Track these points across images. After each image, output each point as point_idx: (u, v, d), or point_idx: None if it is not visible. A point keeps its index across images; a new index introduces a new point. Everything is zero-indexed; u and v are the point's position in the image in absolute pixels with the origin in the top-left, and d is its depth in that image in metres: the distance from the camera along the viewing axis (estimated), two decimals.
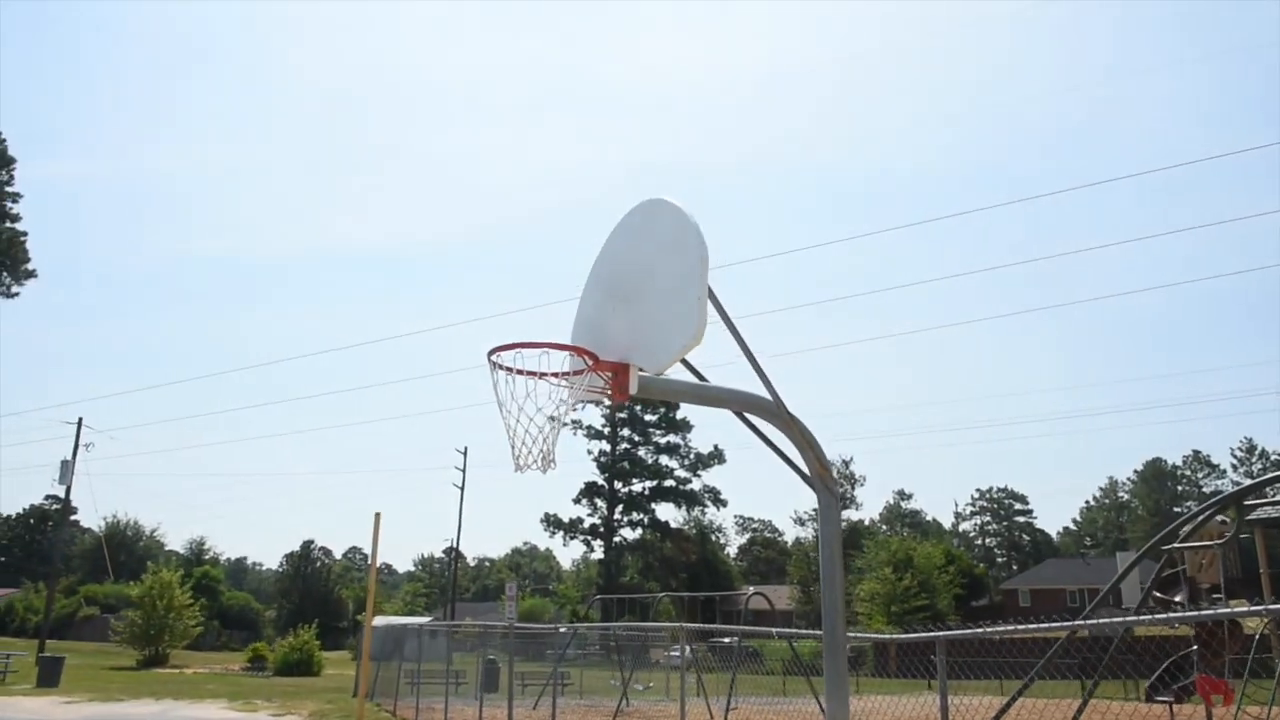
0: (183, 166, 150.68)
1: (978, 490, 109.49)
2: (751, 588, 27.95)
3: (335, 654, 48.64)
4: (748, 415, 5.19)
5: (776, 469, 5.02)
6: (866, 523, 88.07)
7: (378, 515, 19.21)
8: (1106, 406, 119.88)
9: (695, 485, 68.98)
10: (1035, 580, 73.04)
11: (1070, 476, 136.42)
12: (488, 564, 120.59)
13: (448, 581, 72.94)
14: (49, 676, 25.80)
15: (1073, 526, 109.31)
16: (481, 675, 19.37)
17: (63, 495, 45.20)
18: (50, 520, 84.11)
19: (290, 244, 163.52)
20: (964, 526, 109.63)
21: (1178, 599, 13.12)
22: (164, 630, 39.56)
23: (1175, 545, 10.17)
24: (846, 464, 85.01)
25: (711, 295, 4.56)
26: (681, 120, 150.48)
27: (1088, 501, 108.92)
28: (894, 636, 8.00)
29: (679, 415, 68.22)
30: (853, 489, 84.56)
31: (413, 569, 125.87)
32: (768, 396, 4.82)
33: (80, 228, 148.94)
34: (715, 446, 68.55)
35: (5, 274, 40.38)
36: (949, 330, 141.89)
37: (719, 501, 69.98)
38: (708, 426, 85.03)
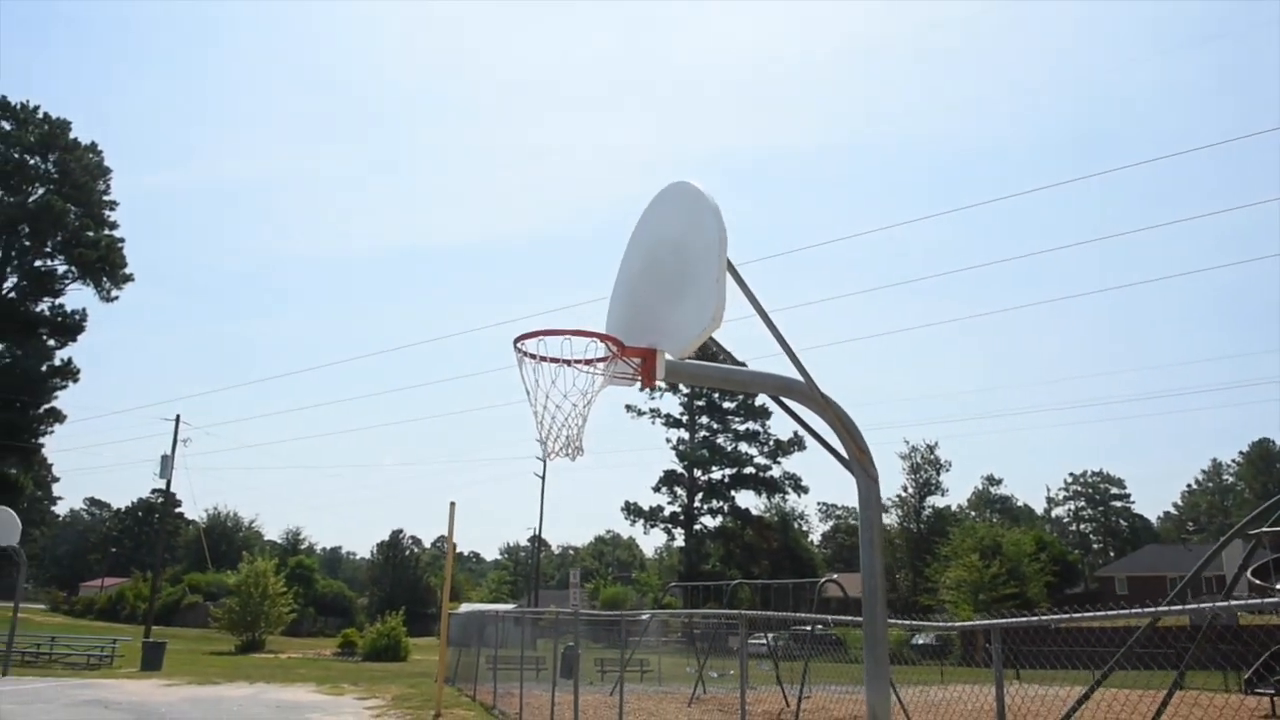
0: (269, 171, 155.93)
1: (1071, 474, 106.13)
2: (826, 575, 27.58)
3: (424, 640, 49.89)
4: (784, 400, 5.08)
5: None
6: (954, 509, 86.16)
7: (452, 505, 19.65)
8: (1209, 384, 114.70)
9: (775, 472, 68.51)
10: (1133, 567, 70.44)
11: (1171, 459, 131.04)
12: (572, 552, 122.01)
13: (532, 569, 74.06)
14: (152, 660, 27.14)
15: (1174, 511, 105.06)
16: (560, 661, 19.57)
17: (164, 488, 47.37)
18: (156, 513, 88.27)
19: (372, 243, 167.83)
20: (1057, 512, 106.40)
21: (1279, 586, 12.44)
22: (260, 617, 41.14)
23: (1263, 529, 9.64)
24: (932, 449, 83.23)
25: (737, 277, 4.47)
26: (757, 104, 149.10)
27: (1190, 485, 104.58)
28: (940, 625, 7.76)
29: (758, 402, 67.73)
30: (938, 475, 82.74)
31: (499, 557, 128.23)
32: (800, 379, 4.71)
33: (175, 233, 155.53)
34: (795, 433, 67.86)
35: (105, 279, 42.36)
36: (1041, 308, 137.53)
37: (800, 488, 69.36)
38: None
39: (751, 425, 68.27)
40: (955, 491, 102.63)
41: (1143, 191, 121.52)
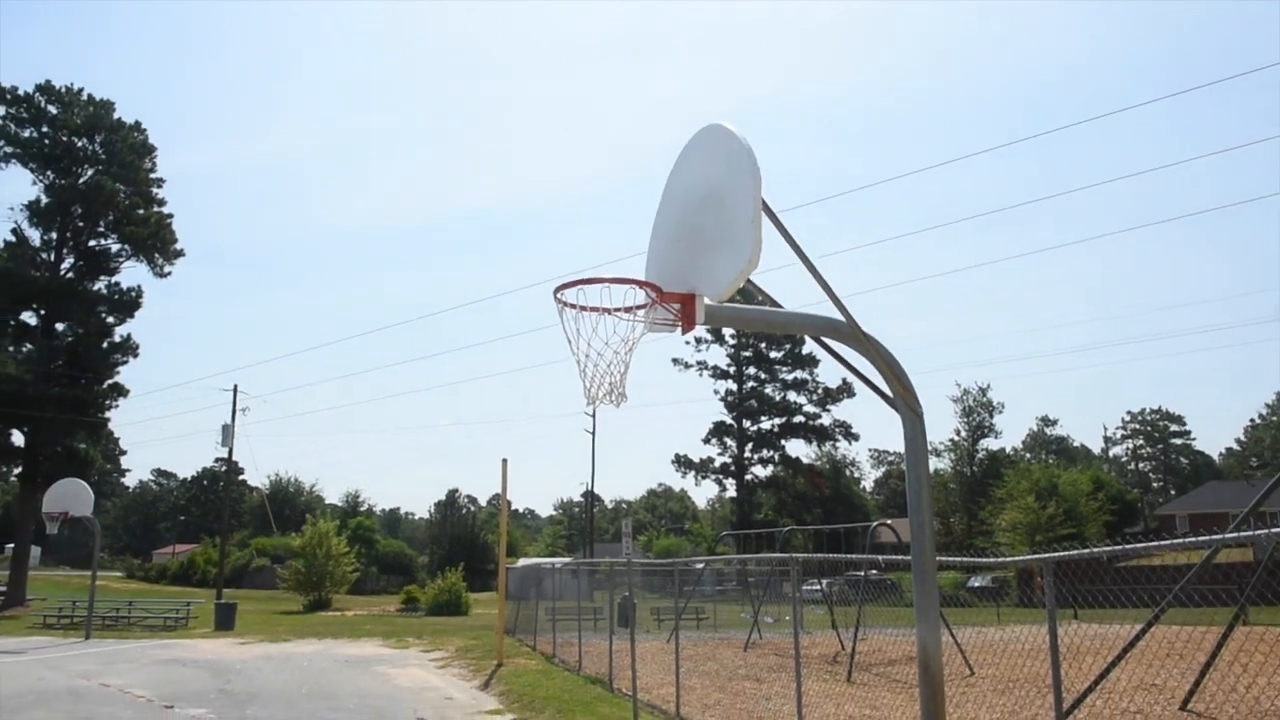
0: (310, 144, 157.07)
1: (1129, 413, 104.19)
2: (876, 521, 27.59)
3: (484, 595, 51.01)
4: (826, 340, 5.07)
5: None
6: (1008, 451, 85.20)
7: (504, 461, 20.00)
8: (1271, 315, 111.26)
9: (825, 420, 68.29)
10: (1195, 504, 69.12)
11: (1233, 394, 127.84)
12: (625, 505, 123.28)
13: (586, 523, 75.08)
14: (225, 621, 28.19)
15: (1236, 447, 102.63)
16: (616, 611, 19.90)
17: (226, 457, 48.71)
18: (220, 481, 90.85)
19: (417, 207, 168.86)
20: (1115, 451, 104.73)
21: None
22: (325, 577, 42.36)
23: None
24: (984, 391, 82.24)
25: (774, 218, 4.44)
26: (792, 47, 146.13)
27: (1253, 419, 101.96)
28: (991, 561, 7.74)
29: (805, 350, 67.39)
30: (991, 417, 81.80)
31: (554, 513, 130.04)
32: (841, 319, 4.69)
33: (221, 208, 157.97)
34: (844, 380, 67.43)
35: (157, 255, 43.17)
36: (1093, 244, 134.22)
37: (850, 435, 69.10)
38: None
39: (799, 374, 68.01)
40: (1009, 434, 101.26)
41: (1200, 117, 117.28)
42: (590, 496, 66.59)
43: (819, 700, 12.22)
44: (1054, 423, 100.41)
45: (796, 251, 4.45)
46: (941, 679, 4.74)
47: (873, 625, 20.77)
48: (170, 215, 44.25)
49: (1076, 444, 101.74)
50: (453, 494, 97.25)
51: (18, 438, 40.88)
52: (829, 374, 68.88)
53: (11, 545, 46.96)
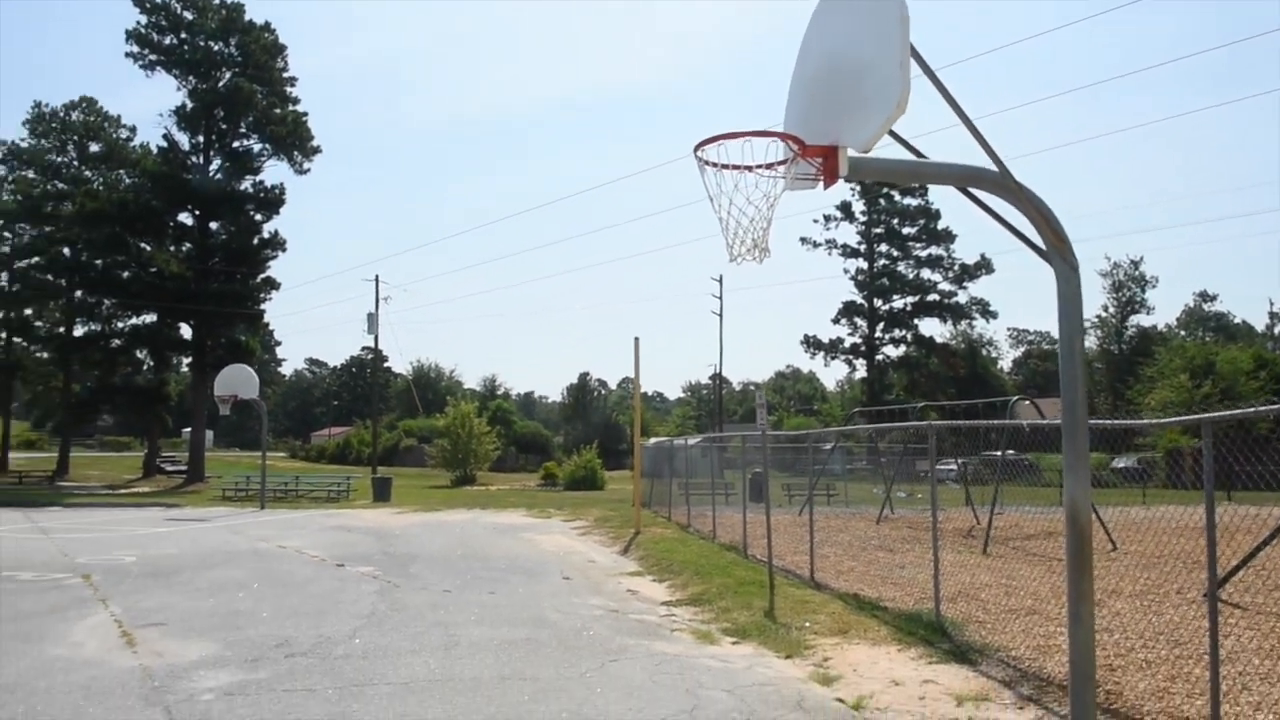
0: (436, 40, 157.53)
1: None
2: (1017, 397, 26.82)
3: (617, 473, 52.76)
4: (974, 191, 4.90)
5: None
6: (1160, 329, 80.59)
7: (636, 340, 20.39)
8: None
9: (961, 298, 65.95)
10: None
11: None
12: (753, 387, 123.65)
13: (714, 405, 75.99)
14: (381, 494, 30.33)
15: None
16: (749, 485, 20.34)
17: (373, 345, 51.35)
18: (368, 368, 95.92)
19: (546, 96, 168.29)
20: None
21: None
22: (469, 454, 44.78)
23: None
24: (1136, 264, 77.53)
25: (922, 63, 4.26)
26: None
27: None
28: (1144, 422, 7.46)
29: (940, 226, 64.75)
30: (1143, 292, 77.26)
31: (682, 395, 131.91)
32: (993, 168, 4.52)
33: (350, 105, 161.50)
34: (982, 256, 64.67)
35: (296, 152, 44.82)
36: (1256, 101, 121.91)
37: (988, 313, 66.66)
38: (973, 234, 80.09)
39: (935, 250, 65.50)
40: (1162, 310, 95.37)
41: None
42: (719, 378, 67.24)
43: (954, 570, 12.28)
44: (1213, 298, 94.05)
45: (946, 96, 4.28)
46: (1090, 532, 4.72)
47: (1010, 504, 20.49)
48: (305, 113, 45.68)
49: (1238, 321, 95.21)
50: (584, 377, 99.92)
51: (185, 331, 44.24)
52: (966, 250, 66.20)
53: (189, 430, 51.37)
